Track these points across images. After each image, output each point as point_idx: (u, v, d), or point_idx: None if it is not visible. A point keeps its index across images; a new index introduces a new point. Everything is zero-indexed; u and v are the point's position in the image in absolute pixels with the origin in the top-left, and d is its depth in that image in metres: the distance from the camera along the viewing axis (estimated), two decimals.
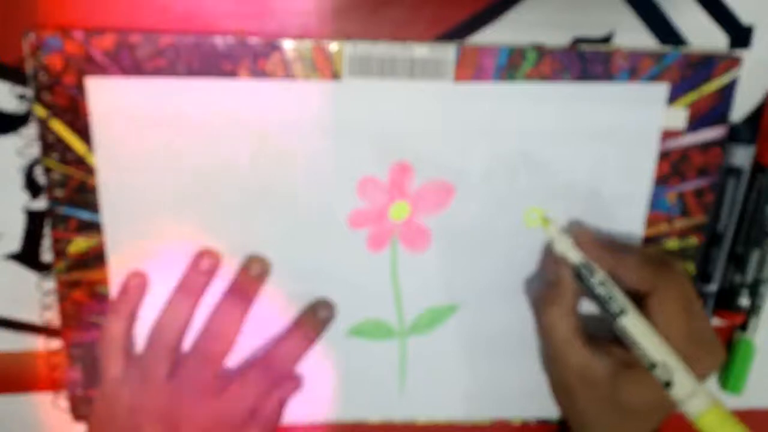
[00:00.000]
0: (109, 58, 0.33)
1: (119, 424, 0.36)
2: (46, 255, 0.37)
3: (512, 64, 0.35)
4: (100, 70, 0.34)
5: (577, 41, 0.36)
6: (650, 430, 0.36)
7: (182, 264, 0.37)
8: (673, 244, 0.40)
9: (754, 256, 0.40)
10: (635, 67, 0.36)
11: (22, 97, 0.35)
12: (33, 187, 0.36)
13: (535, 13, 0.36)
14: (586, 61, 0.35)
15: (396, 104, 0.35)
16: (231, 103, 0.35)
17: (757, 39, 0.37)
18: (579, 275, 0.35)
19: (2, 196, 0.36)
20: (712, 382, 0.44)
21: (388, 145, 0.36)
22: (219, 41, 0.34)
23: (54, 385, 0.40)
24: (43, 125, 0.34)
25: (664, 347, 0.33)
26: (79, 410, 0.40)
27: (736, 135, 0.38)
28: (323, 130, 0.36)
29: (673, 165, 0.38)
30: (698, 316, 0.35)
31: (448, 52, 0.35)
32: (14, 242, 0.37)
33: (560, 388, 0.37)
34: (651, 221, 0.39)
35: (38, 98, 0.34)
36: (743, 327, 0.42)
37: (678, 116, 0.37)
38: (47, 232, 0.37)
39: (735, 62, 0.36)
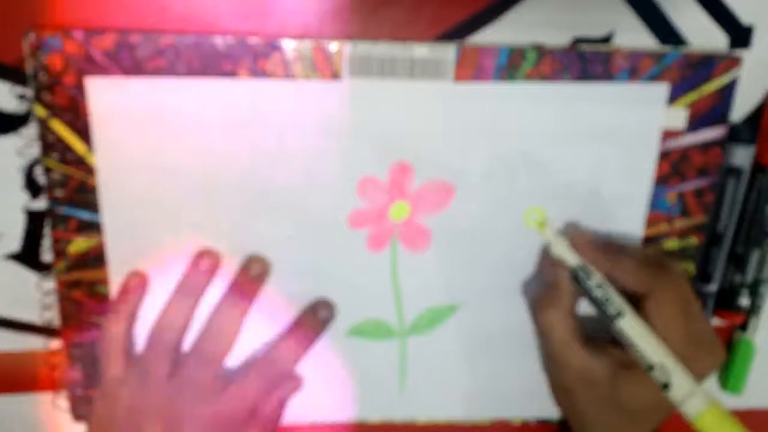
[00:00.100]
0: (109, 58, 0.33)
1: (119, 424, 0.36)
2: (46, 255, 0.37)
3: (512, 64, 0.35)
4: (100, 70, 0.34)
5: (577, 41, 0.36)
6: (650, 430, 0.36)
7: (182, 264, 0.37)
8: (673, 244, 0.40)
9: (754, 256, 0.40)
10: (635, 67, 0.36)
11: (22, 97, 0.35)
12: (33, 187, 0.36)
13: (535, 13, 0.36)
14: (586, 61, 0.35)
15: (396, 104, 0.35)
16: (231, 103, 0.35)
17: (757, 39, 0.37)
18: (576, 278, 0.35)
19: (2, 196, 0.36)
20: (712, 383, 0.44)
21: (388, 145, 0.36)
22: (219, 41, 0.34)
23: (54, 385, 0.40)
24: (43, 125, 0.34)
25: (661, 349, 0.33)
26: (79, 410, 0.40)
27: (736, 135, 0.38)
28: (323, 130, 0.36)
29: (673, 165, 0.38)
30: (696, 317, 0.35)
31: (448, 52, 0.35)
32: (14, 242, 0.37)
33: (560, 389, 0.37)
34: (651, 221, 0.39)
35: (38, 98, 0.34)
36: (743, 327, 0.42)
37: (678, 116, 0.37)
38: (47, 232, 0.37)
39: (735, 62, 0.36)
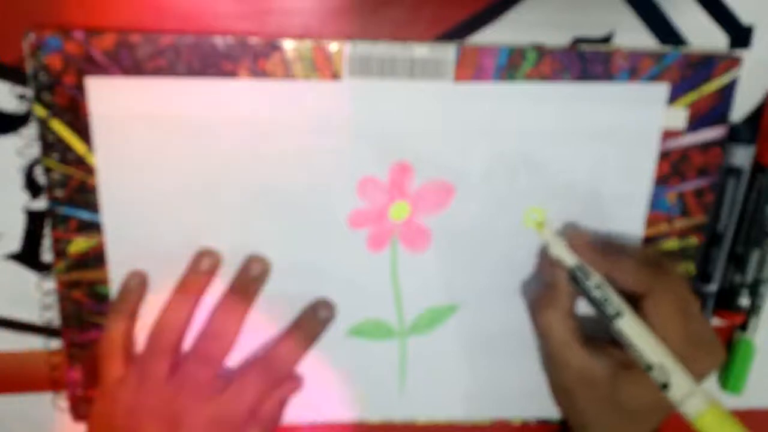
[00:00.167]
0: (109, 58, 0.33)
1: (119, 424, 0.36)
2: (46, 255, 0.37)
3: (512, 64, 0.35)
4: (100, 70, 0.34)
5: (577, 41, 0.36)
6: (650, 430, 0.36)
7: (182, 264, 0.37)
8: (673, 244, 0.40)
9: (754, 256, 0.40)
10: (635, 67, 0.36)
11: (22, 97, 0.35)
12: (33, 187, 0.36)
13: (535, 13, 0.36)
14: (586, 61, 0.35)
15: (396, 104, 0.35)
16: (231, 103, 0.35)
17: (757, 39, 0.37)
18: (574, 278, 0.35)
19: (2, 196, 0.36)
20: (713, 383, 0.44)
21: (388, 145, 0.36)
22: (219, 41, 0.34)
23: (54, 385, 0.40)
24: (43, 125, 0.34)
25: (660, 349, 0.33)
26: (79, 410, 0.40)
27: (736, 135, 0.38)
28: (323, 130, 0.36)
29: (673, 165, 0.38)
30: (695, 317, 0.35)
31: (448, 52, 0.35)
32: (14, 242, 0.37)
33: (559, 389, 0.37)
34: (651, 221, 0.39)
35: (38, 98, 0.34)
36: (743, 327, 0.42)
37: (678, 116, 0.37)
38: (47, 232, 0.37)
39: (735, 62, 0.36)
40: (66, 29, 0.33)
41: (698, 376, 0.33)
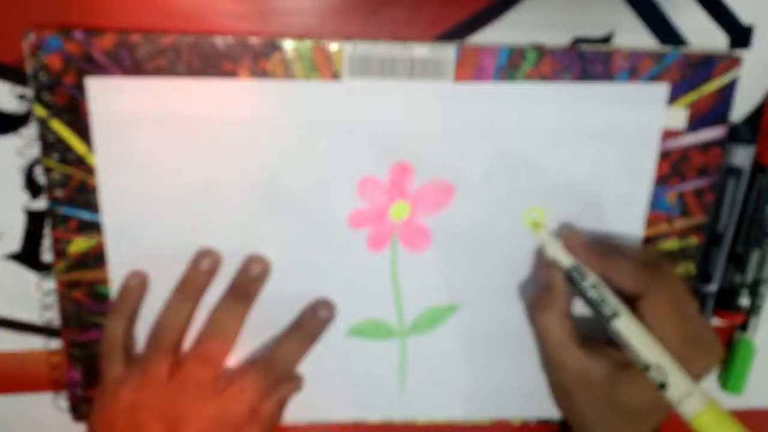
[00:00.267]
0: (109, 58, 0.33)
1: (119, 424, 0.36)
2: (46, 255, 0.37)
3: (512, 64, 0.35)
4: (100, 70, 0.34)
5: (577, 41, 0.36)
6: (650, 430, 0.36)
7: (182, 264, 0.37)
8: (673, 244, 0.40)
9: (754, 256, 0.40)
10: (635, 67, 0.36)
11: (22, 97, 0.35)
12: (33, 187, 0.36)
13: (535, 13, 0.36)
14: (586, 61, 0.35)
15: (396, 104, 0.35)
16: (231, 103, 0.35)
17: (757, 39, 0.37)
18: (570, 279, 0.35)
19: (2, 196, 0.36)
20: (713, 383, 0.44)
21: (388, 145, 0.36)
22: (219, 41, 0.34)
23: (54, 385, 0.40)
24: (43, 125, 0.34)
25: (657, 349, 0.33)
26: (79, 410, 0.40)
27: (736, 135, 0.38)
28: (323, 130, 0.36)
29: (673, 165, 0.38)
30: (692, 317, 0.35)
31: (448, 52, 0.35)
32: (14, 242, 0.37)
33: (558, 390, 0.37)
34: (651, 221, 0.39)
35: (38, 98, 0.34)
36: (743, 327, 0.42)
37: (678, 116, 0.37)
38: (47, 232, 0.37)
39: (735, 62, 0.36)
40: (66, 29, 0.33)
41: (696, 375, 0.33)
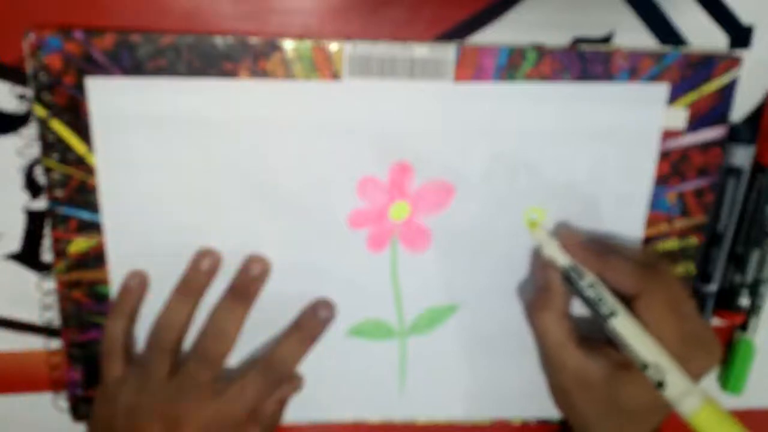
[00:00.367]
0: (109, 58, 0.33)
1: (119, 424, 0.36)
2: (46, 255, 0.37)
3: (512, 64, 0.35)
4: (100, 70, 0.34)
5: (577, 41, 0.36)
6: (650, 430, 0.36)
7: (182, 264, 0.37)
8: (673, 244, 0.40)
9: (754, 256, 0.40)
10: (635, 67, 0.36)
11: (22, 97, 0.35)
12: (33, 187, 0.36)
13: (535, 13, 0.36)
14: (586, 61, 0.35)
15: (396, 104, 0.35)
16: (231, 103, 0.35)
17: (757, 39, 0.37)
18: (568, 278, 0.35)
19: (2, 196, 0.36)
20: (713, 383, 0.44)
21: (388, 145, 0.36)
22: (219, 41, 0.34)
23: (54, 385, 0.40)
24: (43, 125, 0.34)
25: (655, 348, 0.33)
26: (79, 410, 0.40)
27: (736, 135, 0.38)
28: (323, 130, 0.36)
29: (673, 165, 0.38)
30: (690, 317, 0.35)
31: (448, 52, 0.35)
32: (14, 242, 0.37)
33: (558, 391, 0.37)
34: (651, 221, 0.39)
35: (38, 98, 0.34)
36: (743, 327, 0.42)
37: (678, 116, 0.37)
38: (47, 232, 0.37)
39: (735, 62, 0.36)
40: (66, 29, 0.33)
41: (696, 375, 0.33)
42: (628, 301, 0.34)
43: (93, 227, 0.36)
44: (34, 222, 0.37)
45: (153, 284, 0.38)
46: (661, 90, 0.36)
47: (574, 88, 0.36)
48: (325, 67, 0.34)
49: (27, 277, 0.38)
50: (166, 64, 0.34)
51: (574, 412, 0.36)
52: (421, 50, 0.35)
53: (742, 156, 0.39)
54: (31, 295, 0.38)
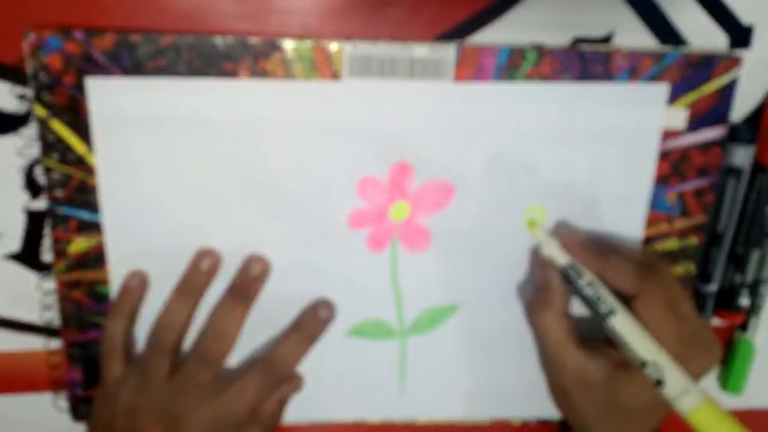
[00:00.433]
0: (109, 58, 0.33)
1: (119, 424, 0.36)
2: (46, 255, 0.37)
3: (512, 64, 0.35)
4: (100, 70, 0.34)
5: (577, 41, 0.36)
6: (650, 429, 0.36)
7: (182, 264, 0.37)
8: (673, 244, 0.40)
9: (754, 256, 0.40)
10: (635, 67, 0.36)
11: (22, 97, 0.35)
12: (33, 187, 0.36)
13: (535, 13, 0.36)
14: (586, 61, 0.35)
15: (396, 104, 0.35)
16: (231, 103, 0.35)
17: (757, 39, 0.37)
18: (567, 277, 0.35)
19: (2, 196, 0.36)
20: (713, 383, 0.44)
21: (388, 145, 0.36)
22: (219, 41, 0.34)
23: (54, 385, 0.40)
24: (43, 125, 0.34)
25: (653, 346, 0.33)
26: (79, 410, 0.40)
27: (736, 135, 0.38)
28: (323, 130, 0.36)
29: (673, 165, 0.38)
30: (688, 317, 0.35)
31: (448, 52, 0.35)
32: (14, 242, 0.37)
33: (558, 390, 0.37)
34: (651, 221, 0.39)
35: (38, 98, 0.34)
36: (743, 327, 0.42)
37: (678, 116, 0.37)
38: (47, 232, 0.37)
39: (735, 62, 0.36)
40: (66, 29, 0.33)
41: (695, 375, 0.33)
42: (627, 301, 0.34)
43: (93, 227, 0.36)
44: (34, 222, 0.37)
45: (153, 284, 0.38)
46: (661, 90, 0.36)
47: (574, 88, 0.36)
48: (325, 67, 0.34)
49: (27, 277, 0.38)
50: (166, 64, 0.34)
51: (574, 411, 0.36)
52: (421, 50, 0.35)
53: (742, 156, 0.39)
54: (31, 295, 0.38)
